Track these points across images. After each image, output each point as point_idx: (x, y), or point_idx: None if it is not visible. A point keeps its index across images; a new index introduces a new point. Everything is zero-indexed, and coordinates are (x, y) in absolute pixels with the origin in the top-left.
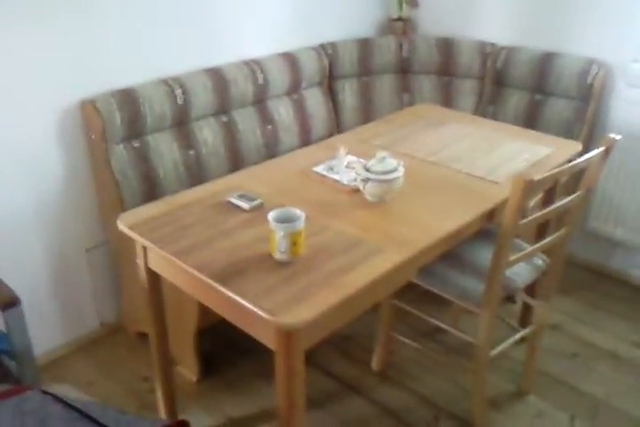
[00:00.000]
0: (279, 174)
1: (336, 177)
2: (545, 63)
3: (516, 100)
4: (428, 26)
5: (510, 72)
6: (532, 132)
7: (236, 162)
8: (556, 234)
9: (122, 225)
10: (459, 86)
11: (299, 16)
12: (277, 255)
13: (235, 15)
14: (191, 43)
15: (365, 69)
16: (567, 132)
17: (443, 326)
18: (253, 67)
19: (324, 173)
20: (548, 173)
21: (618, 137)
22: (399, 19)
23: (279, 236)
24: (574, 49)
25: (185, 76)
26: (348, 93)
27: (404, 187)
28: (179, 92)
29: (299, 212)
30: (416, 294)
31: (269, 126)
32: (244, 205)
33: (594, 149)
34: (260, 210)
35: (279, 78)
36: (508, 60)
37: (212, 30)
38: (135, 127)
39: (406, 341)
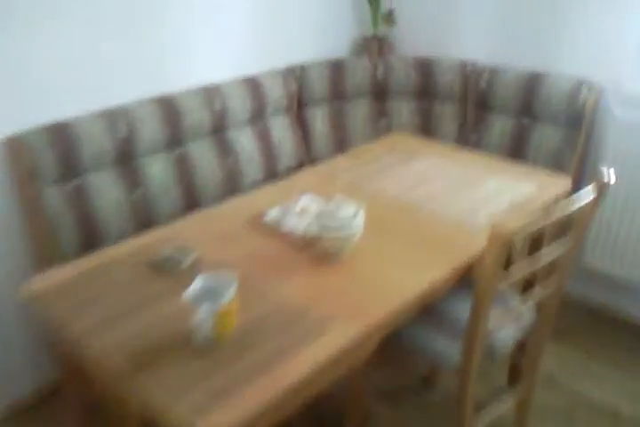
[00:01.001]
0: (224, 223)
1: (288, 226)
2: (531, 84)
3: (500, 125)
4: (406, 45)
5: (494, 94)
6: (516, 166)
7: (192, 199)
8: (545, 289)
9: (25, 295)
10: (439, 110)
11: (264, 36)
12: (198, 340)
13: (190, 37)
14: (137, 68)
15: (338, 93)
16: (557, 159)
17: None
18: (210, 93)
19: (276, 221)
20: (529, 226)
21: (612, 180)
22: (375, 37)
23: (200, 318)
24: (562, 68)
25: (130, 106)
26: (320, 120)
27: (366, 237)
28: (122, 125)
29: (228, 282)
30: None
31: (230, 158)
32: (175, 264)
33: (586, 182)
34: (194, 270)
35: (240, 106)
36: (492, 81)
37: (163, 54)
38: (71, 166)
39: (380, 405)
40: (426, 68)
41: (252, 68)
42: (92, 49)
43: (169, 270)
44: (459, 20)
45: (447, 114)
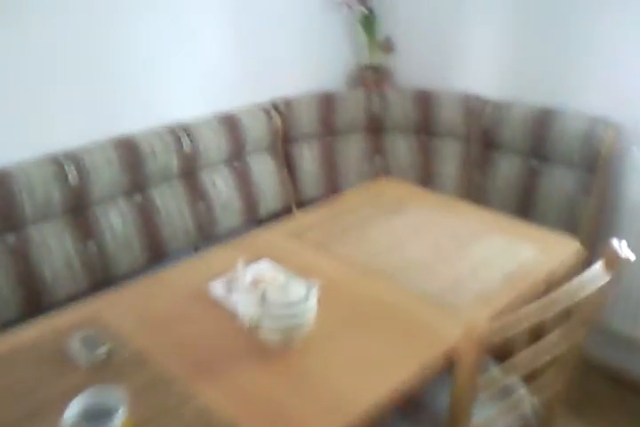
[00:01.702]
0: (161, 297)
1: (233, 302)
2: (541, 121)
3: (507, 166)
4: (405, 75)
5: (500, 132)
6: (517, 223)
7: (158, 251)
8: (549, 382)
9: None
10: (440, 147)
11: (245, 67)
12: None
13: (157, 68)
14: (91, 105)
15: (328, 129)
16: (571, 205)
17: None
18: (178, 133)
19: (221, 295)
20: (513, 324)
21: (632, 257)
22: (371, 67)
23: None
24: (576, 105)
25: (82, 149)
26: (308, 158)
27: (323, 322)
28: (71, 170)
29: (118, 399)
30: None
31: (201, 204)
32: (82, 357)
33: (603, 236)
34: (107, 365)
35: (213, 145)
36: (498, 117)
37: (124, 88)
38: (9, 218)
39: None
40: (426, 102)
41: (229, 102)
42: (35, 82)
43: (75, 366)
44: (463, 49)
45: (449, 152)
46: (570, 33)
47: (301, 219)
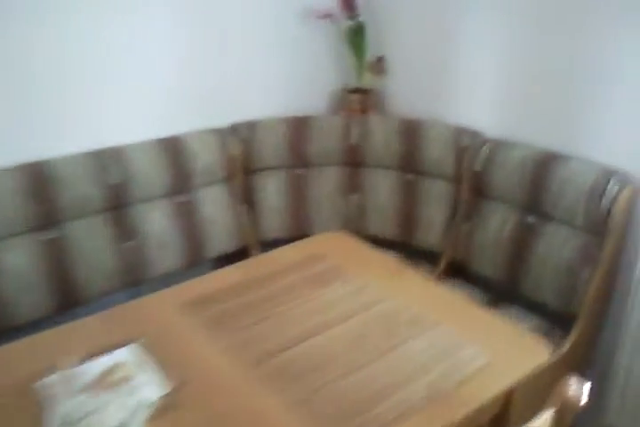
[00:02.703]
0: None
1: (62, 407)
2: (543, 168)
3: (500, 218)
4: (396, 101)
5: (494, 176)
6: (479, 311)
7: (70, 298)
8: None
9: None
10: (426, 188)
11: (204, 85)
12: None
13: (92, 82)
14: (6, 125)
15: (298, 159)
16: (569, 281)
17: None
18: (105, 160)
19: (51, 393)
20: None
21: (584, 388)
22: (358, 90)
23: None
24: (586, 152)
25: None
26: (272, 191)
27: None
28: None
29: None
30: None
31: (131, 242)
32: None
33: (605, 322)
34: None
35: (150, 174)
36: (492, 159)
37: (48, 106)
38: None
39: None
40: (413, 134)
41: (183, 126)
42: None
43: None
44: (463, 77)
45: (435, 194)
46: (587, 68)
47: (209, 283)
